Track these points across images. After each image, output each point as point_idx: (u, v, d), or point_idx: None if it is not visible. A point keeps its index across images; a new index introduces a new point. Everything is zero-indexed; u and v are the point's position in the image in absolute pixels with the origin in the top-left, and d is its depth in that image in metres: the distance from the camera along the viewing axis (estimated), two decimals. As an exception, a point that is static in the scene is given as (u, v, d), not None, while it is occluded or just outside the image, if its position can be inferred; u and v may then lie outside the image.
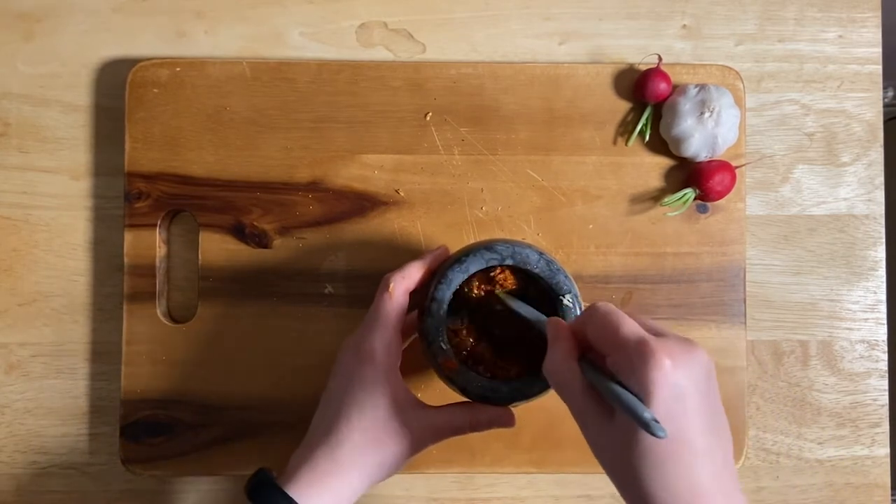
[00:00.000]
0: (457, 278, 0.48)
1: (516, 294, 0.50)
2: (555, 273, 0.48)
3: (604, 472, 0.39)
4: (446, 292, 0.48)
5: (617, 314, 0.39)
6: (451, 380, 0.47)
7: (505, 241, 0.48)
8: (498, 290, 0.49)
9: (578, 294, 0.48)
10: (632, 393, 0.36)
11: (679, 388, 0.35)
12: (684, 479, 0.35)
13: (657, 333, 0.38)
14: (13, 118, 0.60)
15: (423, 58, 0.61)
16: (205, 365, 0.58)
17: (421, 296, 0.49)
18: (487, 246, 0.48)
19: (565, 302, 0.47)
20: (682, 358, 0.36)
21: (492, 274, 0.49)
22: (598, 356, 0.39)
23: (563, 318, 0.47)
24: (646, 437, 0.35)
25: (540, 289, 0.49)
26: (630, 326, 0.38)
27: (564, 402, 0.40)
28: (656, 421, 0.34)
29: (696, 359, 0.37)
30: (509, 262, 0.48)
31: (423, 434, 0.47)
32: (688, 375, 0.36)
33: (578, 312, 0.48)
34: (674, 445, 0.35)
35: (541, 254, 0.48)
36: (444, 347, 0.47)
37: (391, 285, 0.48)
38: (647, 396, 0.35)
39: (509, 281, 0.49)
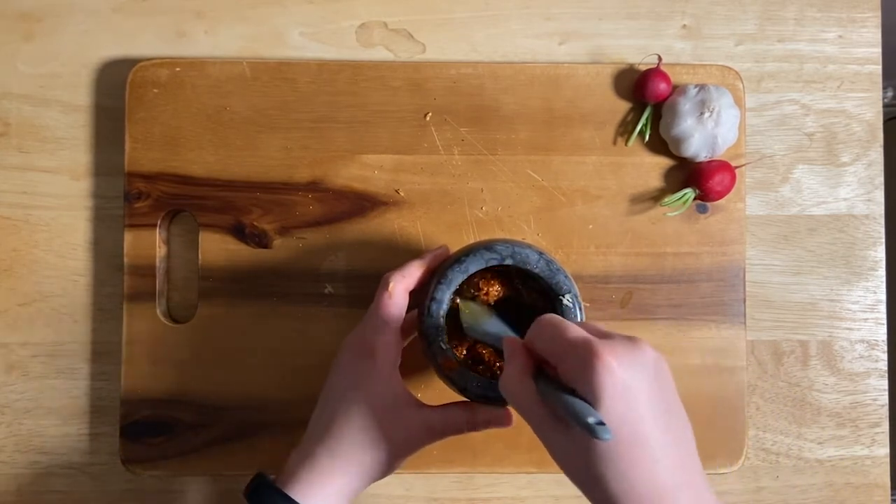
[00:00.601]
0: (456, 278, 0.48)
1: (508, 301, 0.50)
2: (554, 273, 0.48)
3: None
4: (446, 292, 0.48)
5: (561, 322, 0.39)
6: (450, 380, 0.47)
7: (505, 241, 0.48)
8: (462, 306, 0.49)
9: (578, 294, 0.48)
10: (583, 399, 0.35)
11: (628, 388, 0.35)
12: (647, 479, 0.35)
13: (603, 336, 0.38)
14: (13, 118, 0.60)
15: (423, 58, 0.61)
16: (205, 365, 0.58)
17: (421, 295, 0.49)
18: (487, 246, 0.48)
19: (565, 302, 0.47)
20: (627, 357, 0.36)
21: (477, 280, 0.49)
22: (553, 370, 0.39)
23: (564, 317, 0.47)
24: (599, 444, 0.35)
25: (540, 289, 0.49)
26: (574, 331, 0.38)
27: (523, 417, 0.40)
28: (601, 423, 0.33)
29: (643, 356, 0.37)
30: (509, 261, 0.47)
31: (421, 433, 0.47)
32: (635, 373, 0.36)
33: (578, 312, 0.48)
34: (631, 446, 0.35)
35: (540, 254, 0.48)
36: (444, 347, 0.47)
37: (391, 284, 0.48)
38: (596, 399, 0.35)
39: (494, 290, 0.49)
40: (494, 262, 0.48)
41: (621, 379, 0.35)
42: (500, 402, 0.47)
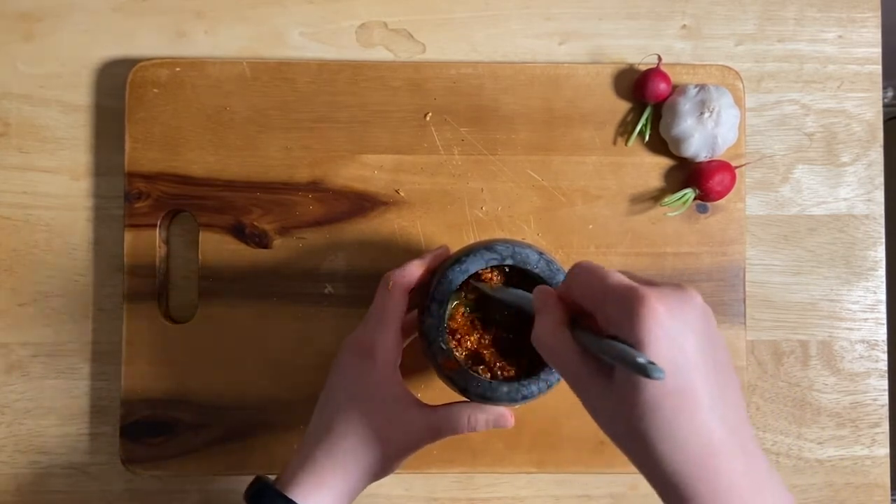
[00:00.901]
0: (457, 278, 0.48)
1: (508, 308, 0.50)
2: (555, 273, 0.47)
3: (603, 467, 0.38)
4: (446, 292, 0.48)
5: (601, 268, 0.36)
6: (451, 380, 0.47)
7: (505, 242, 0.48)
8: (480, 284, 0.49)
9: None
10: (627, 345, 0.33)
11: (676, 336, 0.32)
12: (695, 436, 0.32)
13: (647, 283, 0.35)
14: (13, 118, 0.60)
15: (423, 58, 0.61)
16: (205, 365, 0.58)
17: (421, 295, 0.49)
18: (487, 246, 0.48)
19: None
20: (675, 303, 0.33)
21: (479, 273, 0.49)
22: (590, 320, 0.37)
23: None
24: (648, 391, 0.32)
25: None
26: (616, 277, 0.35)
27: (558, 371, 0.37)
28: (652, 363, 0.31)
29: (692, 303, 0.34)
30: (509, 262, 0.47)
31: (421, 433, 0.47)
32: (684, 321, 0.33)
33: None
34: (679, 398, 0.32)
35: (541, 254, 0.48)
36: (444, 347, 0.47)
37: (391, 283, 0.48)
38: (643, 346, 0.32)
39: (495, 282, 0.49)
40: (494, 263, 0.48)
41: (668, 326, 0.32)
42: (501, 401, 0.47)
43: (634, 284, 0.34)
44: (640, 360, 0.31)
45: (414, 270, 0.49)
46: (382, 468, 0.46)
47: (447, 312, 0.48)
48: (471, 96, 0.59)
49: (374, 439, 0.46)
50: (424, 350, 0.48)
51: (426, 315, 0.48)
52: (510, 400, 0.47)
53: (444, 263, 0.49)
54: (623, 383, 0.33)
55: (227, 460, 0.58)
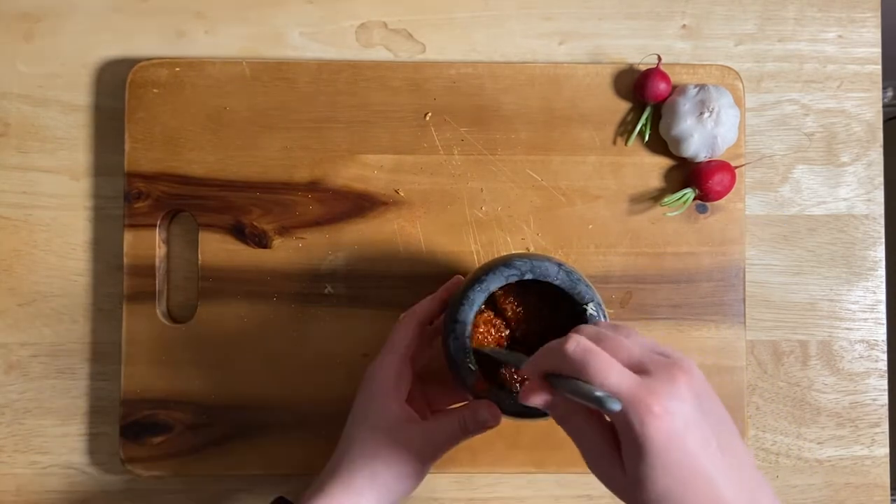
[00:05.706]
0: (478, 298, 0.47)
1: (531, 314, 0.50)
2: (575, 283, 0.47)
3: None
4: (469, 313, 0.47)
5: (594, 356, 0.36)
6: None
7: (522, 256, 0.48)
8: (482, 349, 0.49)
9: (602, 301, 0.47)
10: (632, 448, 0.35)
11: (675, 432, 0.34)
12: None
13: (640, 365, 0.37)
14: (13, 118, 0.60)
15: (423, 58, 0.61)
16: (205, 365, 0.58)
17: (444, 320, 0.48)
18: (506, 262, 0.47)
19: (589, 311, 0.47)
20: (668, 398, 0.35)
21: (499, 300, 0.49)
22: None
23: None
24: (656, 484, 0.35)
25: (561, 300, 0.48)
26: (612, 376, 0.36)
27: (578, 447, 0.39)
28: (609, 396, 0.34)
29: (684, 390, 0.35)
30: (529, 276, 0.47)
31: (423, 449, 0.47)
32: (680, 414, 0.35)
33: (603, 321, 0.47)
34: (690, 485, 0.35)
35: (560, 265, 0.47)
36: (472, 368, 0.47)
37: (402, 315, 0.49)
38: (645, 451, 0.34)
39: (510, 308, 0.49)
40: (514, 279, 0.47)
41: (667, 425, 0.34)
42: (537, 415, 0.46)
43: (628, 390, 0.35)
44: (598, 393, 0.35)
45: (425, 304, 0.50)
46: (396, 491, 0.46)
47: (471, 332, 0.48)
48: (471, 96, 0.59)
49: (382, 462, 0.46)
50: (454, 376, 0.47)
51: (450, 338, 0.47)
52: (546, 413, 0.47)
53: (464, 284, 0.49)
54: (632, 475, 0.36)
55: (227, 460, 0.58)
